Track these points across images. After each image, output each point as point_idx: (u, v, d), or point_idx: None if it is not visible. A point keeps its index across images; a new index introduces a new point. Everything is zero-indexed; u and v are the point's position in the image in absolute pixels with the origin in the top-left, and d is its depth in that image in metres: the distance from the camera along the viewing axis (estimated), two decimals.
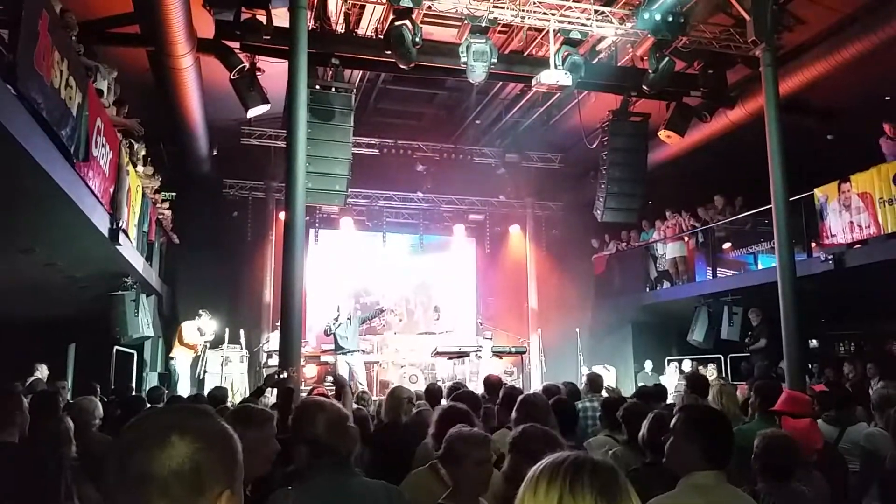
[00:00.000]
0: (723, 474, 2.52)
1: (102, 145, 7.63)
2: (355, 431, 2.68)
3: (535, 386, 13.60)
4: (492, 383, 6.35)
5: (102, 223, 7.94)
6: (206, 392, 9.59)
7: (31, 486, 2.55)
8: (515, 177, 16.93)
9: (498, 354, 13.69)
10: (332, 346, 12.78)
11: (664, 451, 2.70)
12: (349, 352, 12.41)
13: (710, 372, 12.10)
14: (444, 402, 5.09)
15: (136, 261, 10.26)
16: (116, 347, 10.58)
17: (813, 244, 11.13)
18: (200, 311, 12.91)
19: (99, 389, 8.00)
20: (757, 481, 3.37)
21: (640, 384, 13.03)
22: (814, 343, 14.10)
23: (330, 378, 12.30)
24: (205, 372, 12.88)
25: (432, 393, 6.26)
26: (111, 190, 8.27)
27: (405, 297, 17.40)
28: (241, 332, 13.55)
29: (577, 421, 4.81)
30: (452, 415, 3.40)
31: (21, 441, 3.26)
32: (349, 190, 10.86)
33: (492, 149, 16.26)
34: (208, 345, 12.97)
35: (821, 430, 4.71)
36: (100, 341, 10.52)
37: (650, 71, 10.57)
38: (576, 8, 10.10)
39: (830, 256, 10.40)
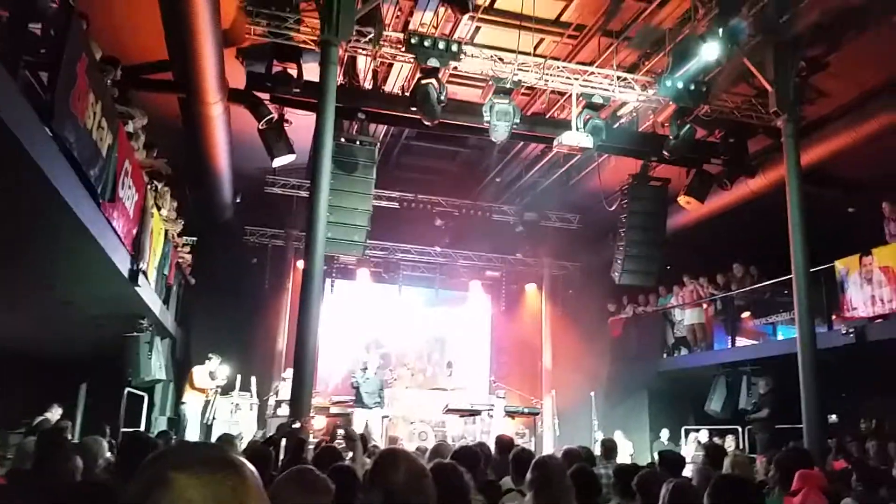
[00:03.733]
0: None
1: (129, 187, 7.75)
2: (433, 488, 2.61)
3: (548, 449, 13.32)
4: (504, 443, 6.24)
5: (123, 264, 7.99)
6: (213, 439, 9.48)
7: None
8: (533, 235, 16.94)
9: (510, 414, 13.43)
10: (346, 398, 12.70)
11: None
12: (370, 407, 12.34)
13: (728, 443, 11.81)
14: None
15: (154, 303, 10.30)
16: (128, 389, 10.53)
17: (834, 316, 10.96)
18: (210, 356, 12.86)
19: (108, 430, 7.95)
20: None
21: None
22: (833, 418, 13.73)
23: (340, 431, 12.13)
24: (213, 418, 12.76)
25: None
26: (134, 231, 8.36)
27: (418, 350, 17.26)
28: (253, 379, 13.46)
29: (600, 491, 4.58)
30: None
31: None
32: (367, 241, 10.95)
33: (511, 207, 16.34)
34: (219, 390, 12.88)
35: None
36: (111, 382, 10.47)
37: (671, 137, 10.67)
38: (599, 73, 10.29)
39: (852, 330, 10.22)
